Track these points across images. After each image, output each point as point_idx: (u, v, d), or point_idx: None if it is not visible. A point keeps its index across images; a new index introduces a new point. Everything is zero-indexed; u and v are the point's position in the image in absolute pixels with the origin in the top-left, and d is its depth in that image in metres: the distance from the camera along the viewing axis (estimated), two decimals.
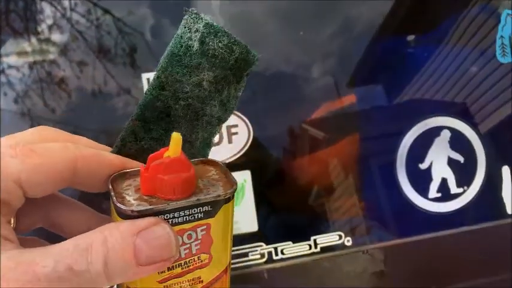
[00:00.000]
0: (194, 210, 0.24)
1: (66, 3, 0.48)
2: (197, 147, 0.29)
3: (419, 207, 0.53)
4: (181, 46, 0.26)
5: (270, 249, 0.50)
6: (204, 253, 0.25)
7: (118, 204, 0.23)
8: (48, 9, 0.48)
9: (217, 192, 0.24)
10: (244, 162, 0.51)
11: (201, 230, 0.24)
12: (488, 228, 0.54)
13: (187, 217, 0.24)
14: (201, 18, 0.26)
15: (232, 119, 0.50)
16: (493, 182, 0.55)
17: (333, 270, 0.52)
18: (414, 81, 0.56)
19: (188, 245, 0.25)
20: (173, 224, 0.23)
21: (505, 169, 0.55)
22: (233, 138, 0.50)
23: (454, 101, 0.55)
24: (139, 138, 0.28)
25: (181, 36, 0.26)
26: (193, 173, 0.24)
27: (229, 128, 0.50)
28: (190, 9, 0.26)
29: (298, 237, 0.51)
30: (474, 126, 0.55)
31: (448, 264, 0.54)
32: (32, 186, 0.22)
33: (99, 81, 0.48)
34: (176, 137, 0.23)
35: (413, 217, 0.53)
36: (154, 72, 0.27)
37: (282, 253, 0.51)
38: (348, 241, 0.52)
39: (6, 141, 0.24)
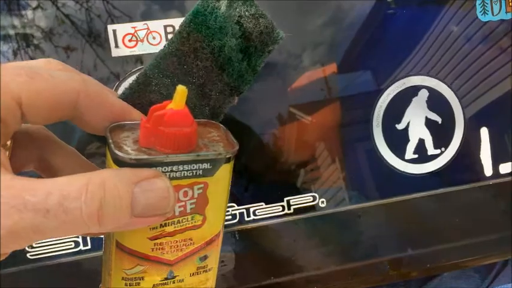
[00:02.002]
0: (193, 166, 0.23)
1: None
2: (206, 115, 0.28)
3: (395, 168, 0.52)
4: (208, 6, 0.26)
5: (241, 210, 0.49)
6: (198, 214, 0.25)
7: (116, 151, 0.22)
8: None
9: (218, 151, 0.24)
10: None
11: (198, 189, 0.24)
12: (466, 190, 0.53)
13: (185, 172, 0.23)
14: None
15: None
16: (471, 144, 0.54)
17: (306, 231, 0.51)
18: (394, 41, 0.54)
19: (183, 203, 0.24)
20: (170, 178, 0.23)
21: (484, 130, 0.54)
22: None
23: (432, 61, 0.53)
24: (148, 90, 0.27)
25: None
26: (195, 128, 0.23)
27: None
28: None
29: (271, 198, 0.50)
30: (453, 86, 0.53)
31: (424, 226, 0.53)
32: (31, 109, 0.22)
33: (89, 66, 0.46)
34: (181, 90, 0.22)
35: (389, 179, 0.52)
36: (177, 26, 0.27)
37: (254, 214, 0.49)
38: (322, 202, 0.51)
39: (13, 63, 0.23)
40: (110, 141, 0.23)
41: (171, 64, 0.27)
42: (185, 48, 0.26)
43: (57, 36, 0.46)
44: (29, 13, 0.45)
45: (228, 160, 0.24)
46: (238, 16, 0.26)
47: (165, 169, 0.23)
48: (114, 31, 0.47)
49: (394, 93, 0.52)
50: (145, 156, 0.22)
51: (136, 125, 0.25)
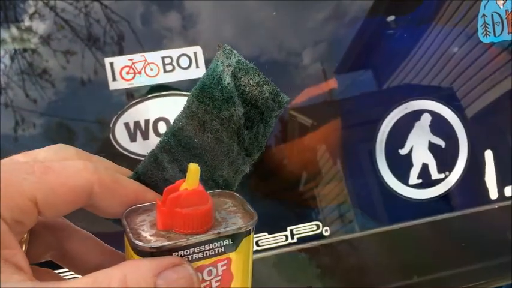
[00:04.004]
0: (215, 245, 0.23)
1: None
2: (220, 186, 0.28)
3: (399, 194, 0.51)
4: (213, 78, 0.26)
5: None
6: None
7: (135, 241, 0.22)
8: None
9: (238, 225, 0.23)
10: None
11: (222, 265, 0.23)
12: (471, 214, 0.53)
13: (207, 252, 0.23)
14: (234, 54, 0.26)
15: None
16: (475, 167, 0.53)
17: (310, 261, 0.50)
18: (394, 64, 0.54)
19: (208, 282, 0.24)
20: (193, 260, 0.23)
21: (488, 153, 0.53)
22: None
23: (435, 84, 0.53)
24: (161, 167, 0.27)
25: (213, 69, 0.26)
26: (212, 205, 0.23)
27: None
28: (224, 45, 0.26)
29: (274, 227, 0.49)
30: (456, 109, 0.53)
31: (430, 252, 0.53)
32: (47, 205, 0.22)
33: (86, 101, 0.46)
34: (194, 168, 0.22)
35: (393, 205, 0.52)
36: (185, 102, 0.26)
37: (257, 245, 0.49)
38: (326, 231, 0.50)
39: (22, 157, 0.23)
40: (128, 229, 0.23)
41: (182, 140, 0.27)
42: (194, 122, 0.26)
43: (55, 41, 0.45)
44: (26, 19, 0.45)
45: (248, 232, 0.24)
46: (243, 85, 0.26)
47: (186, 252, 0.22)
48: (111, 64, 0.46)
49: (397, 118, 0.51)
50: (165, 243, 0.22)
51: (151, 206, 0.25)
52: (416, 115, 0.52)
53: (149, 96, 0.46)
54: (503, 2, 0.53)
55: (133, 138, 0.46)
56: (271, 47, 0.51)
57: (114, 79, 0.46)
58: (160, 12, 0.48)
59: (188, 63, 0.47)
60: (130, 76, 0.46)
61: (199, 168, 0.22)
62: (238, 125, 0.26)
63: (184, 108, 0.26)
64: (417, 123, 0.52)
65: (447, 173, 0.52)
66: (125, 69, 0.46)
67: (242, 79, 0.26)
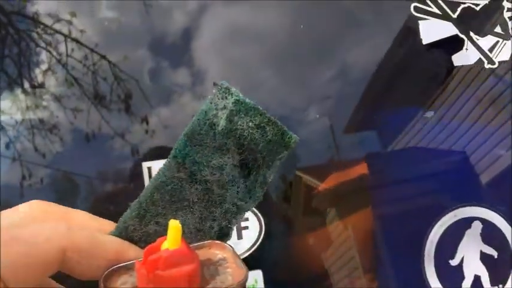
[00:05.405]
0: None
1: (62, 49, 0.46)
2: (212, 237, 0.25)
3: None
4: (205, 124, 0.23)
5: None
6: None
7: None
8: (43, 56, 0.46)
9: (227, 283, 0.21)
10: (255, 260, 0.45)
11: None
12: None
13: None
14: (231, 94, 0.23)
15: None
16: None
17: None
18: (435, 161, 0.52)
19: None
20: None
21: None
22: (243, 233, 0.45)
23: (484, 189, 0.50)
24: (144, 222, 0.24)
25: (205, 113, 0.23)
26: (197, 264, 0.21)
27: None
28: (220, 83, 0.23)
29: None
30: (507, 216, 0.50)
31: None
32: (14, 278, 0.20)
33: (93, 126, 0.45)
34: (174, 226, 0.20)
35: None
36: (171, 151, 0.23)
37: None
38: None
39: None
40: None
41: (166, 193, 0.23)
42: (181, 174, 0.23)
43: (65, 99, 0.45)
44: (39, 75, 0.45)
45: None
46: (241, 129, 0.23)
47: None
48: (149, 168, 0.44)
49: (446, 226, 0.48)
50: None
51: (134, 264, 0.22)
52: (467, 222, 0.49)
53: None
54: None
55: None
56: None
57: None
58: (170, 69, 0.48)
59: None
60: None
61: (180, 226, 0.20)
62: (232, 174, 0.23)
63: (170, 157, 0.23)
64: (468, 231, 0.49)
65: (500, 285, 0.49)
66: None
67: (239, 122, 0.23)
